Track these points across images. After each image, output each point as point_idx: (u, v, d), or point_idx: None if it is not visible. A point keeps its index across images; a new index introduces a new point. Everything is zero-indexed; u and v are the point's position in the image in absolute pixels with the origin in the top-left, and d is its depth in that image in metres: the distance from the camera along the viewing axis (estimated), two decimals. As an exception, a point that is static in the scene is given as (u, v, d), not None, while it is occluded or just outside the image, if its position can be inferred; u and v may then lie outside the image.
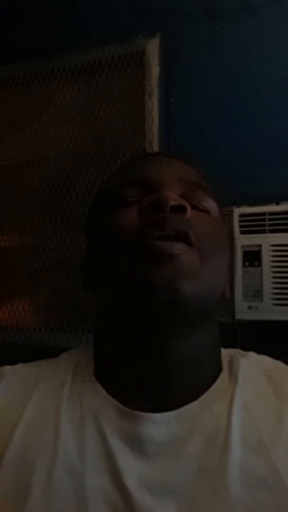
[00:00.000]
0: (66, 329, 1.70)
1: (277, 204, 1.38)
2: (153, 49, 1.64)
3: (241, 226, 1.39)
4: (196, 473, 0.42)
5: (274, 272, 1.35)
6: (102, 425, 0.45)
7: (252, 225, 1.38)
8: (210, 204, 0.50)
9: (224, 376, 0.50)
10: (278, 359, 0.54)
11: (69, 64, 1.77)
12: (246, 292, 1.36)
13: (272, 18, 1.51)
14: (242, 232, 1.39)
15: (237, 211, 1.40)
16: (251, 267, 1.36)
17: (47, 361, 0.56)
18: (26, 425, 0.46)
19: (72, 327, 1.69)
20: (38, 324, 1.77)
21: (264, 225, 1.37)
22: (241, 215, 1.39)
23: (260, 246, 1.36)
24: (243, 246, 1.38)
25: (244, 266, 1.37)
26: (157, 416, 0.45)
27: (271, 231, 1.36)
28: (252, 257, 1.37)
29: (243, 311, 1.36)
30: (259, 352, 0.55)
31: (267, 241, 1.35)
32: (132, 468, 0.42)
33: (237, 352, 0.54)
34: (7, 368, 0.55)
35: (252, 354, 0.54)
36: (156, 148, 1.60)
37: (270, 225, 1.36)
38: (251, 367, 0.51)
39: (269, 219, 1.36)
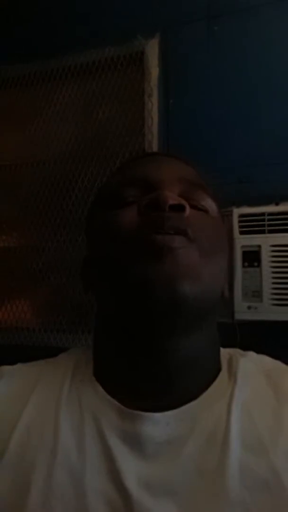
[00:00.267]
0: (66, 330, 1.70)
1: (277, 204, 1.38)
2: (152, 49, 1.65)
3: (240, 227, 1.39)
4: (195, 473, 0.42)
5: (273, 272, 1.35)
6: (101, 425, 0.45)
7: (252, 225, 1.38)
8: (209, 203, 0.50)
9: (223, 375, 0.50)
10: (277, 359, 0.54)
11: (68, 65, 1.77)
12: (245, 292, 1.36)
13: (272, 19, 1.51)
14: (242, 233, 1.39)
15: (237, 211, 1.40)
16: (251, 267, 1.37)
17: (46, 361, 0.56)
18: (25, 425, 0.46)
19: (71, 328, 1.69)
20: (38, 324, 1.77)
21: (263, 226, 1.37)
22: (241, 216, 1.39)
23: (259, 246, 1.36)
24: (242, 247, 1.38)
25: (243, 266, 1.37)
26: (156, 415, 0.45)
27: (270, 232, 1.36)
28: (252, 257, 1.37)
29: (243, 311, 1.36)
30: (258, 352, 0.55)
31: (266, 242, 1.36)
32: (131, 468, 0.42)
33: (236, 351, 0.54)
34: (6, 368, 0.55)
35: (251, 354, 0.54)
36: (155, 149, 1.60)
37: (269, 225, 1.36)
38: (250, 367, 0.51)
39: (269, 220, 1.36)
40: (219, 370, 0.50)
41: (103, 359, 0.51)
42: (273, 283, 1.34)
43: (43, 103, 1.82)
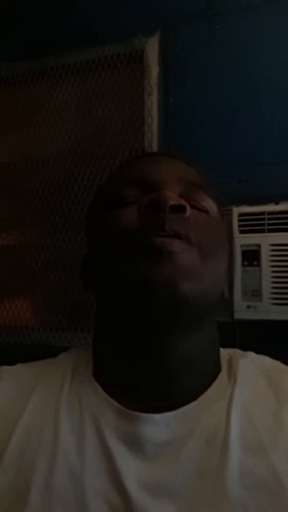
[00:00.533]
0: (65, 329, 1.70)
1: (276, 203, 1.38)
2: (152, 48, 1.64)
3: (240, 226, 1.39)
4: (195, 474, 0.42)
5: (273, 271, 1.35)
6: (101, 426, 0.45)
7: (251, 224, 1.38)
8: (209, 204, 0.50)
9: (223, 376, 0.50)
10: (277, 358, 0.54)
11: (68, 63, 1.76)
12: (245, 292, 1.36)
13: (271, 18, 1.51)
14: (241, 232, 1.39)
15: (236, 210, 1.40)
16: (250, 266, 1.37)
17: (46, 361, 0.56)
18: (25, 425, 0.46)
19: (70, 326, 1.69)
20: (37, 323, 1.77)
21: (263, 225, 1.37)
22: (240, 215, 1.39)
23: (259, 245, 1.36)
24: (242, 246, 1.38)
25: (243, 265, 1.37)
26: (156, 416, 0.45)
27: (270, 231, 1.36)
28: (251, 256, 1.37)
29: (242, 310, 1.36)
30: (257, 351, 0.55)
31: (266, 241, 1.36)
32: (131, 469, 0.42)
33: (236, 352, 0.54)
34: (6, 368, 0.54)
35: (251, 354, 0.54)
36: (155, 147, 1.59)
37: (269, 224, 1.36)
38: (250, 368, 0.50)
39: (268, 219, 1.36)
40: (219, 370, 0.50)
41: (102, 359, 0.51)
42: (273, 282, 1.34)
43: (43, 101, 1.81)
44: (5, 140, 1.87)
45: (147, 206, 0.45)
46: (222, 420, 0.44)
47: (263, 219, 1.37)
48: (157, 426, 0.44)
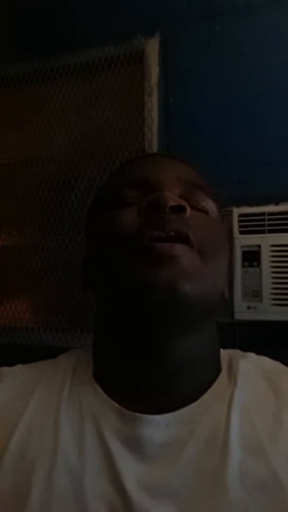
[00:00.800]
0: (65, 329, 1.70)
1: (277, 204, 1.38)
2: (152, 49, 1.64)
3: (240, 226, 1.39)
4: (195, 475, 0.42)
5: (273, 272, 1.35)
6: (101, 427, 0.45)
7: (252, 225, 1.38)
8: (209, 204, 0.50)
9: (223, 377, 0.49)
10: (277, 359, 0.54)
11: (68, 64, 1.76)
12: (245, 292, 1.36)
13: (272, 18, 1.51)
14: (242, 232, 1.39)
15: (237, 211, 1.40)
16: (250, 267, 1.37)
17: (46, 362, 0.56)
18: (25, 426, 0.46)
19: (70, 327, 1.69)
20: (37, 323, 1.76)
21: (263, 225, 1.37)
22: (241, 215, 1.39)
23: (259, 246, 1.36)
24: (242, 246, 1.38)
25: (243, 266, 1.37)
26: (156, 418, 0.45)
27: (270, 231, 1.36)
28: (252, 257, 1.37)
29: (242, 311, 1.36)
30: (258, 352, 0.55)
31: (266, 241, 1.36)
32: (131, 470, 0.42)
33: (236, 353, 0.54)
34: (6, 369, 0.54)
35: (251, 355, 0.54)
36: (155, 148, 1.59)
37: (269, 225, 1.36)
38: (250, 369, 0.50)
39: (269, 219, 1.36)
40: (219, 371, 0.50)
41: (102, 360, 0.51)
42: (273, 283, 1.34)
43: (43, 102, 1.81)
44: (5, 140, 1.88)
45: (147, 207, 0.45)
46: (222, 421, 0.44)
47: (263, 220, 1.37)
48: (157, 427, 0.44)
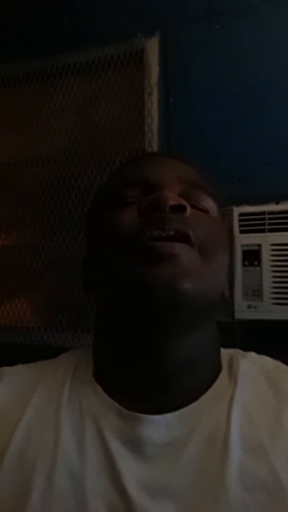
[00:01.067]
0: (65, 329, 1.70)
1: (277, 203, 1.38)
2: (152, 48, 1.64)
3: (240, 226, 1.39)
4: (195, 475, 0.42)
5: (273, 271, 1.34)
6: (101, 427, 0.45)
7: (252, 224, 1.38)
8: (210, 203, 0.50)
9: (223, 376, 0.49)
10: (277, 358, 0.54)
11: (68, 63, 1.76)
12: (245, 292, 1.36)
13: (272, 18, 1.51)
14: (242, 232, 1.39)
15: (237, 210, 1.40)
16: (251, 266, 1.36)
17: (46, 362, 0.55)
18: (26, 426, 0.46)
19: (71, 327, 1.69)
20: (37, 323, 1.77)
21: (263, 224, 1.37)
22: (241, 214, 1.39)
23: (259, 245, 1.36)
24: (242, 245, 1.38)
25: (243, 265, 1.37)
26: (156, 418, 0.45)
27: (270, 230, 1.36)
28: (252, 256, 1.37)
29: (243, 310, 1.36)
30: (258, 351, 0.55)
31: (266, 240, 1.35)
32: (131, 470, 0.42)
33: (236, 352, 0.54)
34: (7, 369, 0.54)
35: (252, 355, 0.54)
36: (155, 147, 1.59)
37: (269, 224, 1.36)
38: (250, 368, 0.50)
39: (269, 218, 1.36)
40: (219, 370, 0.50)
41: (103, 360, 0.51)
42: (273, 282, 1.34)
43: (43, 102, 1.81)
44: (6, 140, 1.88)
45: (147, 206, 0.45)
46: (222, 421, 0.44)
47: (263, 219, 1.37)
48: (158, 427, 0.44)
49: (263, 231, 1.36)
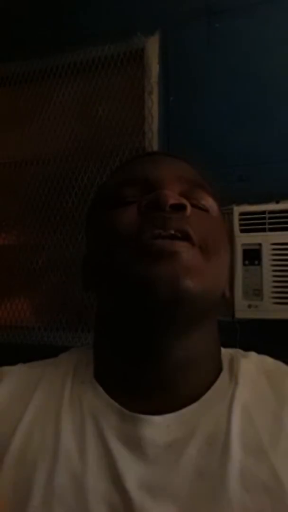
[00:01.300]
0: (65, 328, 1.70)
1: (277, 202, 1.38)
2: (153, 47, 1.64)
3: (241, 225, 1.39)
4: (196, 476, 0.42)
5: (274, 270, 1.34)
6: (102, 427, 0.45)
7: (252, 223, 1.38)
8: (210, 202, 0.50)
9: (224, 376, 0.49)
10: (278, 358, 0.54)
11: (68, 62, 1.76)
12: (246, 291, 1.36)
13: (272, 16, 1.51)
14: (242, 231, 1.39)
15: (237, 209, 1.40)
16: (251, 265, 1.36)
17: (47, 362, 0.55)
18: (27, 426, 0.46)
19: (71, 326, 1.69)
20: (37, 323, 1.77)
21: (264, 224, 1.36)
22: (241, 214, 1.39)
23: (260, 244, 1.36)
24: (243, 245, 1.38)
25: (244, 264, 1.37)
26: (157, 418, 0.45)
27: (271, 230, 1.36)
28: (252, 255, 1.36)
29: (243, 309, 1.36)
30: (259, 351, 0.55)
31: (267, 240, 1.35)
32: (132, 471, 0.42)
33: (237, 352, 0.54)
34: (7, 368, 0.54)
35: (252, 354, 0.53)
36: (155, 146, 1.59)
37: (270, 223, 1.36)
38: (251, 368, 0.50)
39: (269, 218, 1.36)
40: (220, 370, 0.50)
41: (103, 360, 0.51)
42: (274, 281, 1.34)
43: (43, 101, 1.81)
44: (6, 139, 1.87)
45: (147, 206, 0.45)
46: (223, 422, 0.44)
47: (264, 218, 1.37)
48: (158, 427, 0.44)
49: (263, 230, 1.36)
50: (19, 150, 1.85)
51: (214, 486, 0.41)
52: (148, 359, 0.46)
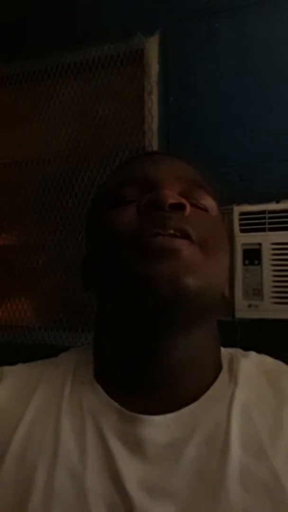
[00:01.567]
0: (66, 328, 1.70)
1: (277, 202, 1.38)
2: (152, 47, 1.64)
3: (241, 225, 1.39)
4: (195, 476, 0.41)
5: (274, 270, 1.34)
6: (102, 427, 0.45)
7: (252, 223, 1.38)
8: (209, 202, 0.50)
9: (223, 376, 0.49)
10: (278, 358, 0.54)
11: (68, 62, 1.76)
12: (246, 291, 1.36)
13: (272, 16, 1.51)
14: (242, 231, 1.39)
15: (237, 209, 1.40)
16: (251, 265, 1.36)
17: (47, 361, 0.55)
18: (27, 426, 0.46)
19: (71, 326, 1.69)
20: (38, 322, 1.77)
21: (264, 223, 1.37)
22: (241, 213, 1.39)
23: (260, 244, 1.36)
24: (243, 245, 1.38)
25: (244, 264, 1.37)
26: (157, 418, 0.45)
27: (271, 229, 1.36)
28: (252, 255, 1.37)
29: (243, 309, 1.36)
30: (259, 350, 0.55)
31: (267, 239, 1.35)
32: (132, 471, 0.42)
33: (237, 351, 0.54)
34: (7, 368, 0.54)
35: (252, 354, 0.53)
36: (155, 146, 1.59)
37: (270, 223, 1.36)
38: (251, 368, 0.50)
39: (269, 217, 1.36)
40: (219, 370, 0.50)
41: (103, 360, 0.50)
42: (274, 281, 1.34)
43: (43, 101, 1.81)
44: (6, 139, 1.88)
45: (146, 205, 0.45)
46: (222, 422, 0.44)
47: (264, 218, 1.37)
48: (158, 427, 0.44)
49: (263, 230, 1.36)
50: (19, 150, 1.85)
51: (213, 486, 0.41)
52: (148, 358, 0.46)
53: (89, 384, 0.49)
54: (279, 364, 0.53)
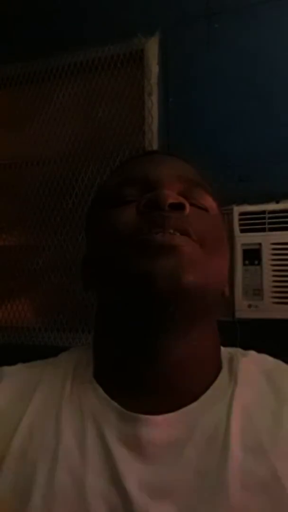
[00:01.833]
0: (66, 329, 1.70)
1: (277, 202, 1.38)
2: (152, 47, 1.64)
3: (241, 225, 1.39)
4: (195, 475, 0.42)
5: (274, 270, 1.34)
6: (102, 428, 0.45)
7: (252, 223, 1.38)
8: (209, 202, 0.50)
9: (223, 375, 0.49)
10: (278, 357, 0.54)
11: (68, 63, 1.76)
12: (246, 291, 1.36)
13: (272, 17, 1.51)
14: (242, 231, 1.39)
15: (237, 209, 1.40)
16: (251, 265, 1.36)
17: (47, 362, 0.55)
18: (27, 426, 0.46)
19: (71, 327, 1.69)
20: (38, 323, 1.77)
21: (264, 224, 1.37)
22: (241, 214, 1.39)
23: (260, 244, 1.36)
24: (243, 245, 1.38)
25: (244, 264, 1.37)
26: (156, 418, 0.44)
27: (271, 230, 1.36)
28: (252, 255, 1.37)
29: (243, 309, 1.36)
30: (259, 350, 0.55)
31: (267, 240, 1.35)
32: (132, 471, 0.42)
33: (237, 351, 0.54)
34: (7, 368, 0.54)
35: (252, 354, 0.53)
36: (155, 147, 1.59)
37: (270, 223, 1.36)
38: (251, 367, 0.50)
39: (269, 218, 1.36)
40: (219, 369, 0.50)
41: (103, 360, 0.51)
42: (274, 281, 1.34)
43: (43, 102, 1.81)
44: (7, 140, 1.88)
45: (146, 205, 0.45)
46: (222, 421, 0.44)
47: (264, 218, 1.37)
48: (158, 427, 0.44)
49: (263, 230, 1.36)
50: (20, 151, 1.85)
51: (213, 486, 0.41)
52: (148, 357, 0.46)
53: (89, 384, 0.49)
54: (279, 363, 0.53)
